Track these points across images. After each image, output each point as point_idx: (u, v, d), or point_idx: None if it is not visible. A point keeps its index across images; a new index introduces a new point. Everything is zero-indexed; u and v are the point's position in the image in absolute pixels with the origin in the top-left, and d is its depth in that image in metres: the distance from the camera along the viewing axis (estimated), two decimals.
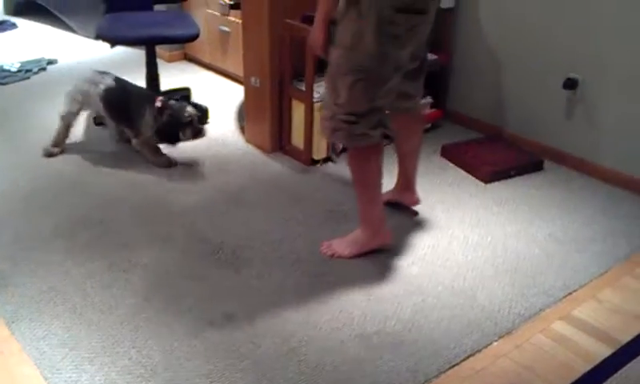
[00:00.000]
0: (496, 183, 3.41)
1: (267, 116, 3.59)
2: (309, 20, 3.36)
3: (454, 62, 4.06)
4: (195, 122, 3.30)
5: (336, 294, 2.54)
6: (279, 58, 3.47)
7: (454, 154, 3.64)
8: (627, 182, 3.34)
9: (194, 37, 3.77)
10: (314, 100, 3.40)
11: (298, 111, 3.50)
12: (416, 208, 3.09)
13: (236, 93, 4.44)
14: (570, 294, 2.58)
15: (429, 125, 3.97)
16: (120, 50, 5.03)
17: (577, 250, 2.85)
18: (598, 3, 3.25)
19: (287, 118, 3.59)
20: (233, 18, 4.45)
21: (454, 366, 2.21)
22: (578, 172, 3.52)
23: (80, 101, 3.46)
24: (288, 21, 3.38)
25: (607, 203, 3.24)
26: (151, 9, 4.10)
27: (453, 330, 2.37)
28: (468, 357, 2.25)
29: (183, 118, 3.26)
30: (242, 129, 3.88)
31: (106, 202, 3.11)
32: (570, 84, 3.42)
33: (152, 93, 3.56)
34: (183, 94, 4.24)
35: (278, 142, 3.67)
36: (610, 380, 2.18)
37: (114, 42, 3.80)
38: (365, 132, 2.49)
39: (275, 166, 3.52)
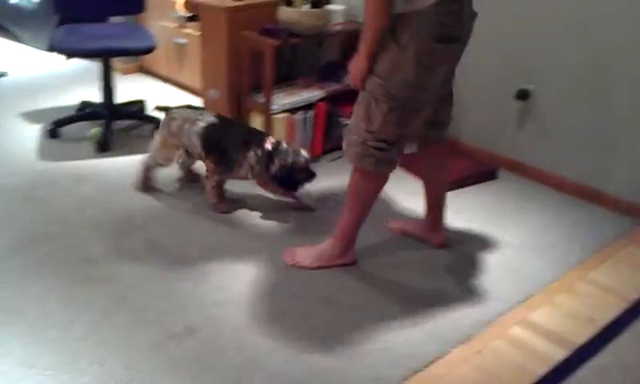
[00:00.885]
0: (452, 192, 3.46)
1: None
2: (267, 33, 3.39)
3: None
4: (310, 166, 3.10)
5: (298, 304, 2.55)
6: (238, 70, 3.48)
7: (411, 163, 3.68)
8: (578, 190, 3.43)
9: (150, 49, 3.76)
10: (272, 111, 3.42)
11: (257, 123, 3.51)
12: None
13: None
14: (527, 299, 2.64)
15: None
16: (74, 62, 4.97)
17: (532, 257, 2.92)
18: (550, 14, 3.34)
19: None
20: (189, 31, 4.43)
21: (416, 373, 2.24)
22: (531, 180, 3.60)
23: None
24: (246, 33, 3.40)
25: (560, 210, 3.32)
26: (105, 21, 4.07)
27: (414, 339, 2.40)
28: (429, 364, 2.29)
29: (300, 163, 3.03)
30: None
31: (62, 216, 3.06)
32: (523, 95, 3.51)
33: (261, 132, 3.24)
34: (139, 107, 4.21)
35: None
36: (565, 382, 2.24)
37: (69, 53, 3.75)
38: (392, 159, 2.53)
39: None
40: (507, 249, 2.98)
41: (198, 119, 3.11)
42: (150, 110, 4.17)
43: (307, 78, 3.80)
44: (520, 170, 3.65)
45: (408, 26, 2.28)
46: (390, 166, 2.56)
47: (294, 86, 3.72)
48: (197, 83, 3.85)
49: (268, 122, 3.43)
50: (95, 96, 4.02)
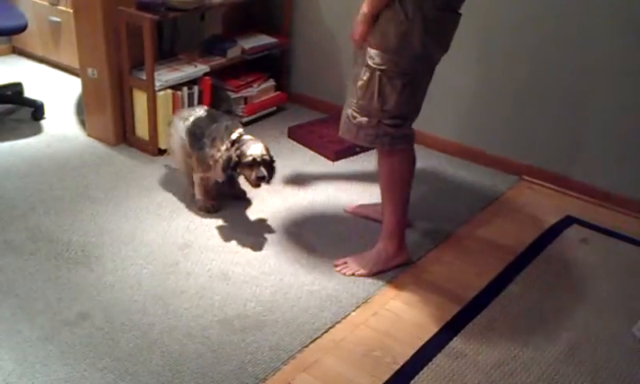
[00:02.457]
0: (343, 160, 3.51)
1: (108, 108, 3.48)
2: (145, 7, 3.30)
3: (295, 44, 4.12)
4: (259, 165, 2.74)
5: (194, 281, 2.53)
6: (116, 47, 3.36)
7: (300, 135, 3.71)
8: (462, 151, 3.56)
9: (22, 28, 3.58)
10: (156, 88, 3.34)
11: (140, 101, 3.42)
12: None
13: (73, 85, 4.25)
14: (420, 259, 2.72)
15: (274, 108, 4.01)
16: None
17: (422, 218, 3.00)
18: None
19: (129, 109, 3.49)
20: (63, 8, 4.25)
21: (315, 339, 2.27)
22: (418, 144, 3.68)
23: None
24: (122, 8, 3.29)
25: (447, 172, 3.44)
26: None
27: (312, 306, 2.43)
28: (328, 329, 2.32)
29: (243, 157, 2.73)
30: (83, 123, 3.73)
31: None
32: None
33: (235, 123, 2.97)
34: (15, 90, 4.01)
35: (122, 134, 3.56)
36: (458, 335, 2.33)
37: None
38: (407, 133, 2.48)
39: (120, 159, 3.42)
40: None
41: (190, 115, 2.99)
42: (28, 93, 4.00)
43: (190, 53, 3.73)
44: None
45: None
46: (409, 140, 2.52)
47: (177, 61, 3.63)
48: (75, 63, 3.69)
49: (153, 99, 3.34)
50: None
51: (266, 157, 2.76)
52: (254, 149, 2.73)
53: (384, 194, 2.58)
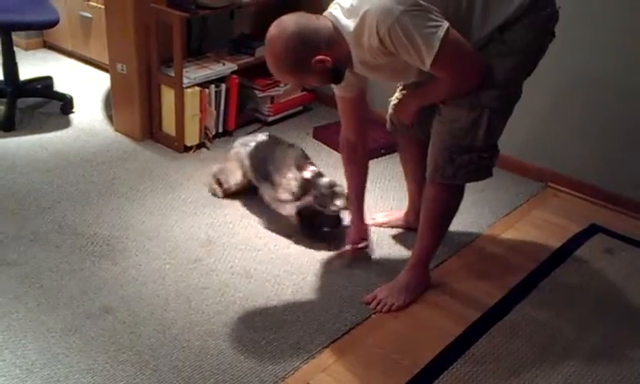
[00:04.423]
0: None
1: (136, 103, 3.51)
2: (174, 4, 3.32)
3: None
4: (339, 214, 2.80)
5: (216, 278, 2.54)
6: (146, 43, 3.40)
7: (326, 136, 3.71)
8: None
9: (54, 23, 3.62)
10: (184, 85, 3.36)
11: (168, 97, 3.45)
12: None
13: (101, 80, 4.30)
14: (441, 264, 2.71)
15: (300, 107, 4.02)
16: None
17: None
18: None
19: (157, 105, 3.52)
20: (94, 3, 4.29)
21: (335, 340, 2.28)
22: None
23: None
24: (153, 5, 3.32)
25: None
26: None
27: (332, 306, 2.43)
28: (348, 330, 2.32)
29: (329, 211, 2.73)
30: (111, 117, 3.77)
31: None
32: None
33: (304, 155, 2.92)
34: (45, 84, 4.07)
35: (149, 130, 3.59)
36: (480, 340, 2.32)
37: None
38: (496, 160, 2.37)
39: (146, 154, 3.45)
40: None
41: (250, 141, 3.01)
42: (58, 87, 4.05)
43: (219, 51, 3.75)
44: None
45: (523, 26, 2.10)
46: (494, 166, 2.38)
47: (206, 59, 3.66)
48: (105, 58, 3.73)
49: (179, 96, 3.37)
50: None
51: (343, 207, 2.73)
52: (339, 203, 2.71)
53: (431, 227, 2.45)
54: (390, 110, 2.61)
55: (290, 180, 2.78)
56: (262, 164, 2.90)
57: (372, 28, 1.98)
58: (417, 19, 1.95)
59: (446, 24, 1.98)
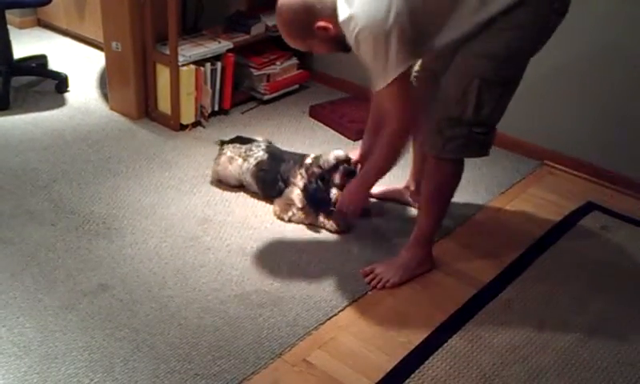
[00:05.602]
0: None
1: (131, 81, 3.49)
2: None
3: None
4: (343, 163, 2.76)
5: (213, 256, 2.55)
6: (140, 21, 3.37)
7: (322, 114, 3.70)
8: None
9: (47, 1, 3.59)
10: (179, 63, 3.34)
11: (163, 75, 3.43)
12: None
13: (96, 59, 4.28)
14: (438, 241, 2.71)
15: (296, 86, 4.01)
16: None
17: None
18: None
19: (152, 83, 3.50)
20: None
21: (331, 317, 2.29)
22: None
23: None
24: None
25: None
26: None
27: (329, 284, 2.44)
28: (345, 307, 2.34)
29: (326, 163, 2.75)
30: (106, 96, 3.75)
31: None
32: None
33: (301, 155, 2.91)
34: (39, 62, 4.04)
35: (144, 108, 3.58)
36: (476, 316, 2.33)
37: None
38: (492, 140, 2.33)
39: (142, 133, 3.44)
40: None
41: (247, 155, 2.91)
42: (53, 66, 4.03)
43: (214, 29, 3.73)
44: None
45: (526, 7, 2.05)
46: (490, 147, 2.34)
47: (201, 37, 3.64)
48: (99, 36, 3.71)
49: (174, 74, 3.35)
50: None
51: (348, 157, 2.76)
52: (335, 152, 2.76)
53: (428, 202, 2.45)
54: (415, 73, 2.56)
55: (297, 181, 2.80)
56: (272, 185, 2.85)
57: (352, 33, 2.12)
58: (389, 46, 2.08)
59: (400, 69, 2.12)
